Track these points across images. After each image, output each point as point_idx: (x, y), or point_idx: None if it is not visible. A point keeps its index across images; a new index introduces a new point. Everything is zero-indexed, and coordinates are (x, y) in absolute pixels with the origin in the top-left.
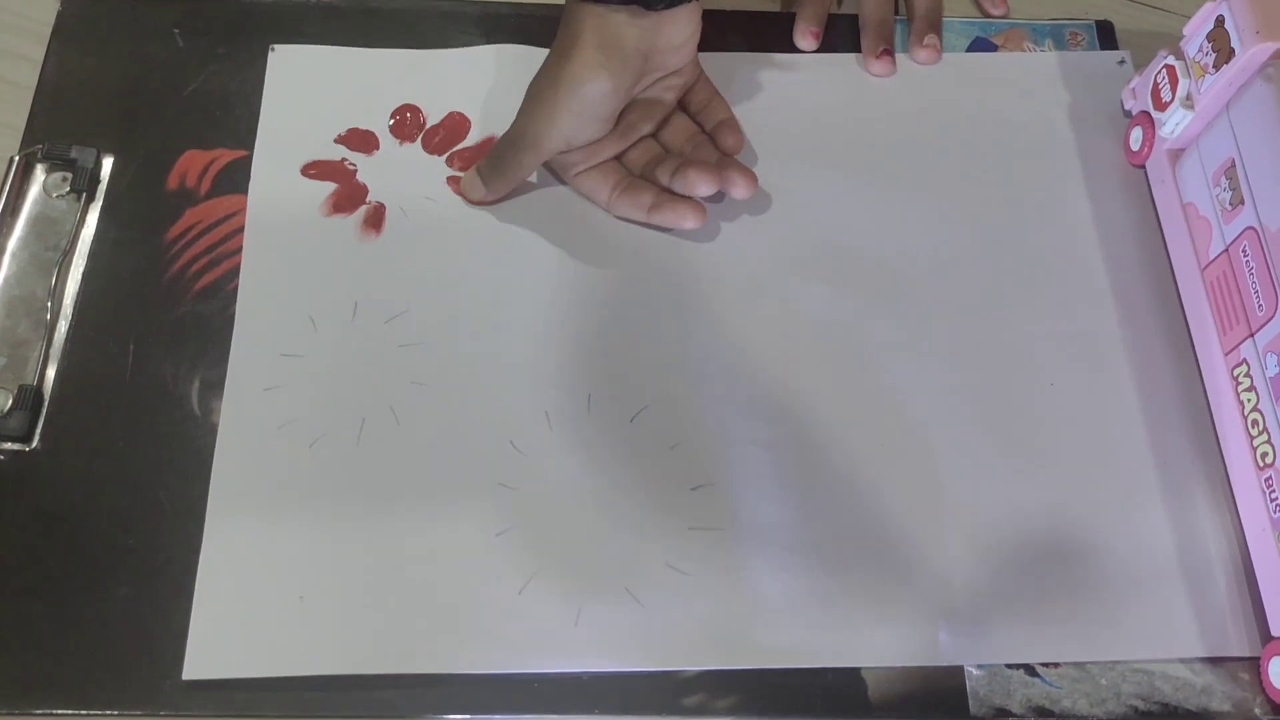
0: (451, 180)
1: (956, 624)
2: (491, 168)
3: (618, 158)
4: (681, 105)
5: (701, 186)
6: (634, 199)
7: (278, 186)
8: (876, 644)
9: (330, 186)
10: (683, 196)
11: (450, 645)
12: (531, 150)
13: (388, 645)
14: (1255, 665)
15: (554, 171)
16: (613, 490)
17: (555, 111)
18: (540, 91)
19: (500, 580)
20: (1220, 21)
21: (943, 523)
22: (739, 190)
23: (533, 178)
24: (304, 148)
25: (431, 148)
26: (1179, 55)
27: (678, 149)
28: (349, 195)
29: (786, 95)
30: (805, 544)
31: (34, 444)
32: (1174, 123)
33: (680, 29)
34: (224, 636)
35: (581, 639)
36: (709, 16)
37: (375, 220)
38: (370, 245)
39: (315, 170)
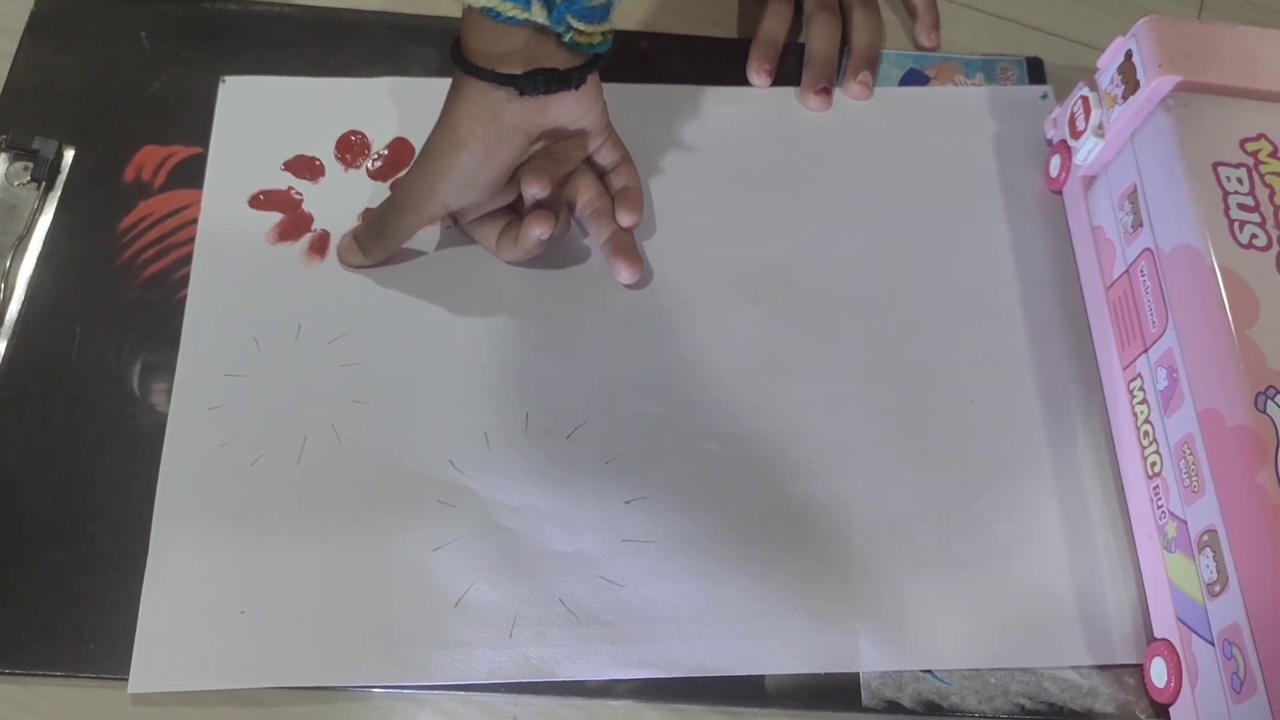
0: None
1: (880, 631)
2: (372, 232)
3: (512, 205)
4: (591, 160)
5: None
6: (520, 246)
7: (227, 214)
8: (801, 652)
9: (276, 216)
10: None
11: (387, 657)
12: (412, 214)
13: (327, 657)
14: (1139, 670)
15: (452, 216)
16: (550, 505)
17: (436, 178)
18: (424, 157)
19: (437, 594)
20: (1129, 55)
21: (863, 535)
22: (623, 276)
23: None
24: (252, 176)
25: (376, 174)
26: (1093, 87)
27: (578, 209)
28: (294, 224)
29: (725, 127)
30: (733, 555)
31: None
32: (1086, 150)
33: (568, 110)
34: (169, 650)
35: (516, 652)
36: (657, 40)
37: (320, 247)
38: (314, 270)
39: (262, 200)
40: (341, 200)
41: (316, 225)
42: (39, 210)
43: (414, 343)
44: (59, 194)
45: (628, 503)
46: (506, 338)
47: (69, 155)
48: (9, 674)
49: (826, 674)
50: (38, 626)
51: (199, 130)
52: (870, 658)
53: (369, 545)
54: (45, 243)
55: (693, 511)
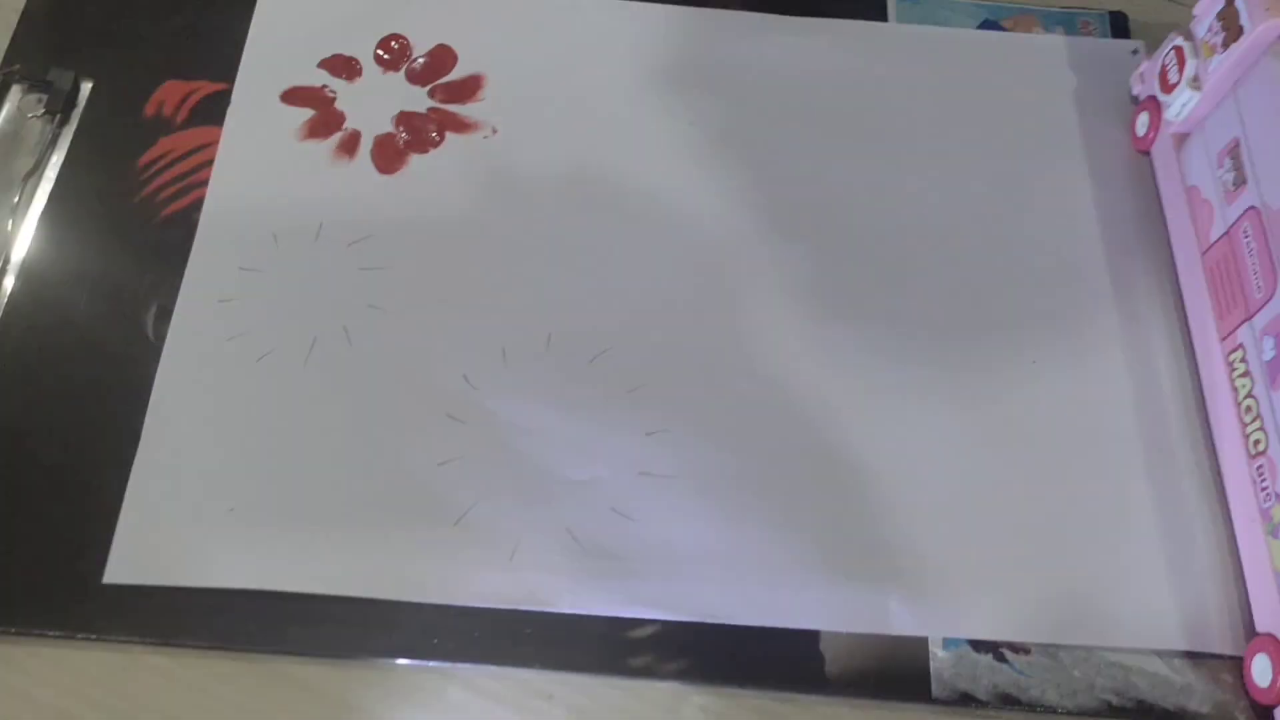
0: (432, 111)
1: (916, 594)
2: None
3: None
4: None
5: None
6: None
7: (256, 109)
8: (824, 609)
9: (308, 113)
10: None
11: (377, 569)
12: None
13: (314, 565)
14: (1238, 666)
15: None
16: (565, 430)
17: None
18: None
19: (437, 509)
20: (1230, 0)
21: (908, 490)
22: None
23: (522, 121)
24: (286, 73)
25: (414, 78)
26: (1188, 36)
27: None
28: (325, 122)
29: (790, 58)
30: (757, 500)
31: None
32: (1180, 104)
33: None
34: (149, 543)
35: (516, 576)
36: None
37: (349, 146)
38: (341, 169)
39: (294, 96)
40: (376, 102)
41: (348, 125)
42: (52, 144)
43: (437, 251)
44: (74, 128)
45: (649, 435)
46: (535, 253)
47: (86, 88)
48: (3, 633)
49: (892, 659)
50: (34, 582)
51: (224, 66)
52: (903, 621)
53: (370, 453)
54: (58, 179)
55: (718, 450)
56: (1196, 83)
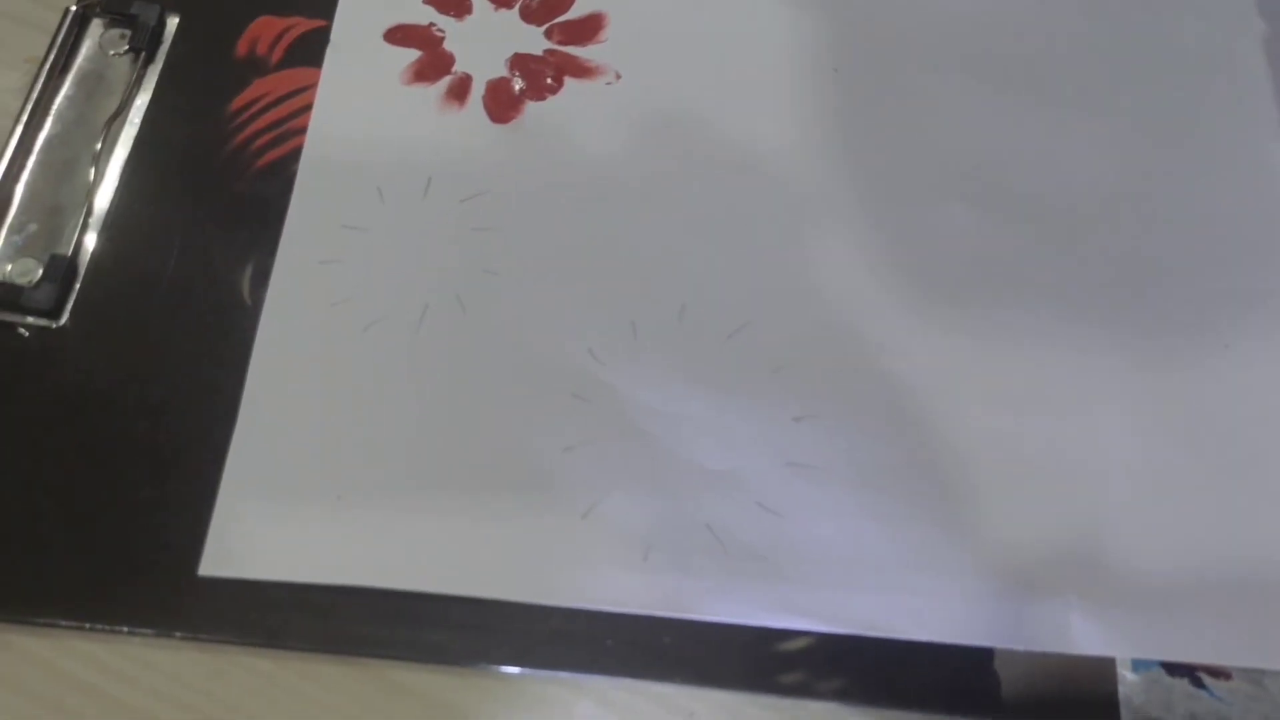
0: (549, 53)
1: (1102, 609)
2: None
3: None
4: None
5: None
6: None
7: (357, 49)
8: (998, 624)
9: (414, 54)
10: None
11: (497, 567)
12: None
13: (428, 561)
14: None
15: None
16: (702, 413)
17: None
18: None
19: (563, 500)
20: None
21: (1091, 490)
22: None
23: (648, 66)
24: (390, 8)
25: (529, 16)
26: None
27: None
28: (433, 63)
29: (943, 3)
30: (922, 496)
31: (62, 321)
32: None
33: None
34: (249, 531)
35: (652, 578)
36: None
37: (459, 92)
38: (451, 117)
39: (399, 35)
40: (488, 42)
41: (458, 68)
42: (137, 85)
43: (559, 211)
44: (160, 67)
45: (796, 420)
46: (666, 215)
47: (172, 23)
48: (87, 628)
49: (1075, 683)
50: (123, 574)
51: (321, 1)
52: (1087, 639)
53: (489, 437)
54: (144, 122)
55: (874, 439)
56: None
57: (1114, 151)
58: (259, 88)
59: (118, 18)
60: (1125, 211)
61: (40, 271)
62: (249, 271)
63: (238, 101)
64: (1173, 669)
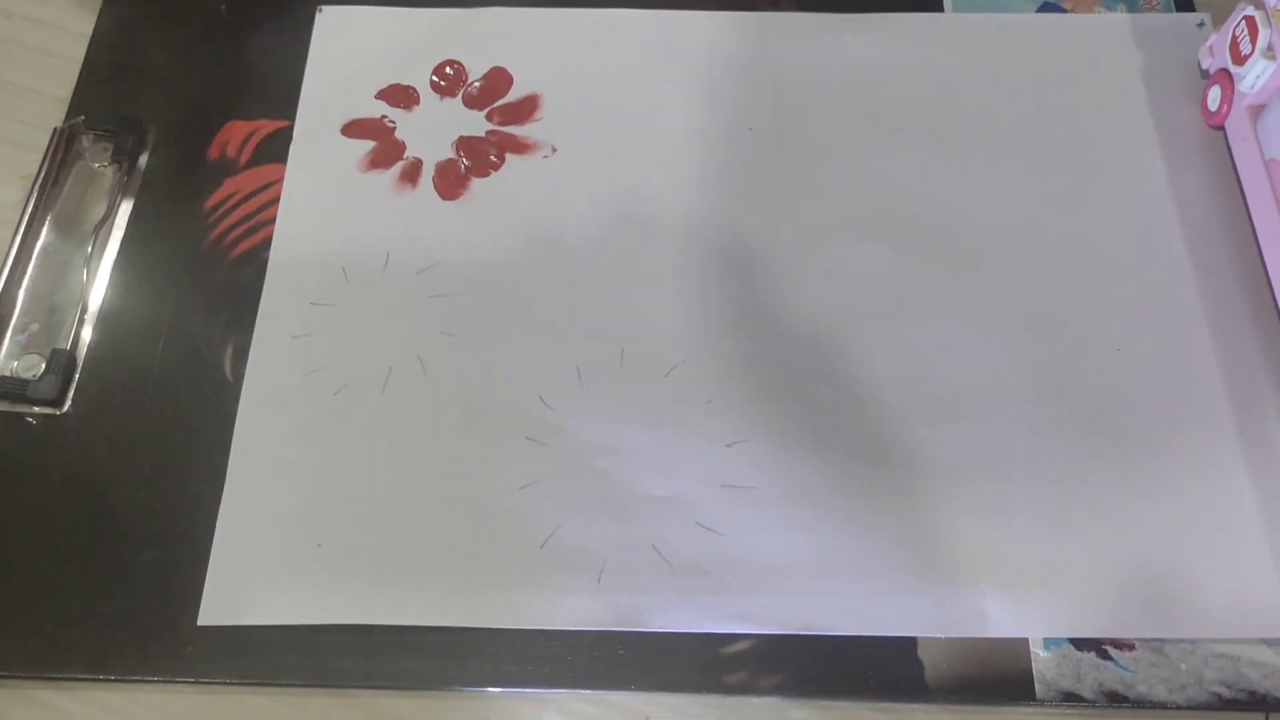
0: (490, 134)
1: (1013, 595)
2: None
3: None
4: None
5: None
6: None
7: (318, 144)
8: (920, 615)
9: (369, 144)
10: None
11: (466, 597)
12: None
13: (405, 596)
14: None
15: None
16: (645, 446)
17: None
18: None
19: (522, 533)
20: None
21: (998, 488)
22: None
23: (581, 138)
24: (345, 106)
25: (472, 102)
26: (1258, 5)
27: None
28: (386, 152)
29: (841, 56)
30: (844, 506)
31: (65, 408)
32: (1254, 76)
33: None
34: (241, 583)
35: (606, 598)
36: None
37: (411, 175)
38: (405, 198)
39: (355, 129)
40: (435, 128)
41: (409, 153)
42: (121, 191)
43: (507, 274)
44: (141, 173)
45: (729, 446)
46: (602, 271)
47: (151, 134)
48: (103, 679)
49: (992, 663)
50: (132, 629)
51: (284, 103)
52: (1001, 623)
53: (453, 481)
54: (128, 226)
55: (800, 457)
56: (1271, 52)
57: (1009, 184)
58: (230, 186)
59: (101, 133)
60: (1022, 236)
61: (43, 365)
62: (229, 351)
63: (211, 200)
64: (1080, 644)
